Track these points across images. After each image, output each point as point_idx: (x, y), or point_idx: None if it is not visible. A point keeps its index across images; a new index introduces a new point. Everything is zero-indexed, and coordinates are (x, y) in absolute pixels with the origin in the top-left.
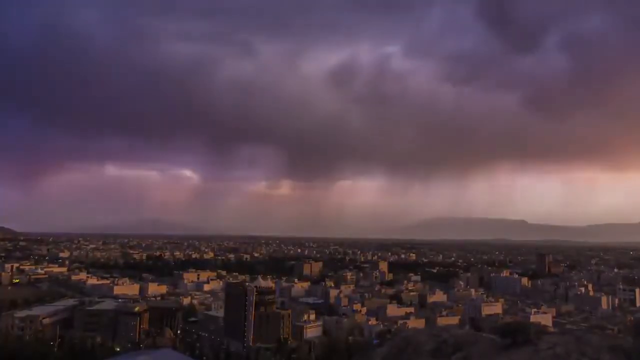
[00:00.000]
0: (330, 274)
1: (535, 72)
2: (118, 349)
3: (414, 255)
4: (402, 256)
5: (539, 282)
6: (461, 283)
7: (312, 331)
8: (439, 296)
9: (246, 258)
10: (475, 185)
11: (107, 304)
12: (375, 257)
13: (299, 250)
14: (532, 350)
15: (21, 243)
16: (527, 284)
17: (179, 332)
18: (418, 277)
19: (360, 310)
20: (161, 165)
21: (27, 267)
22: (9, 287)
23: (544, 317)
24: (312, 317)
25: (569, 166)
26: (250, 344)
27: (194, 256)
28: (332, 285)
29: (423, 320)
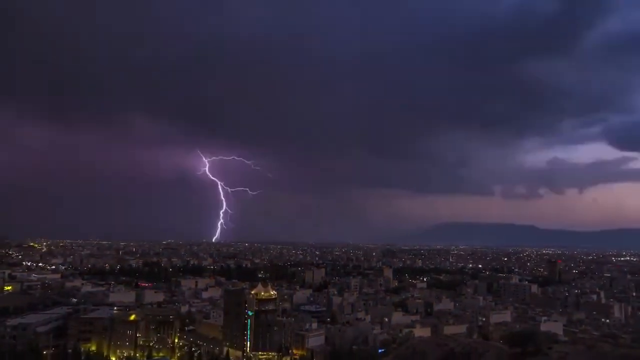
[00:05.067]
0: (333, 280)
1: None
2: (113, 359)
3: (420, 261)
4: (408, 262)
5: (549, 289)
6: (469, 290)
7: (315, 340)
8: (445, 304)
9: (246, 264)
10: None
11: (102, 312)
12: (380, 263)
13: (301, 256)
14: None
15: (13, 248)
16: (537, 291)
17: (176, 341)
18: (424, 284)
19: (365, 318)
20: None
21: (19, 273)
22: (1, 295)
23: (554, 326)
24: (315, 325)
25: None
26: (250, 353)
27: (192, 262)
28: (335, 292)
29: (429, 329)
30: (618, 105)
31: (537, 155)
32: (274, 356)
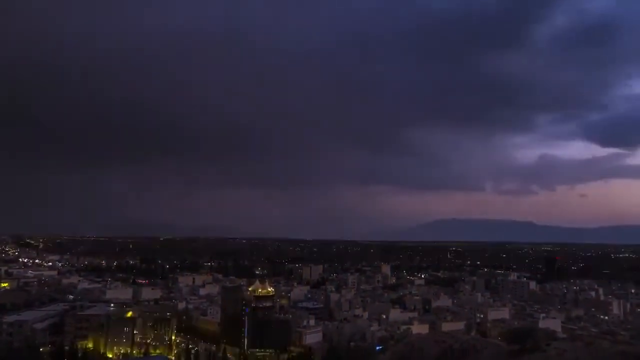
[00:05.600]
0: (331, 277)
1: None
2: (110, 356)
3: (418, 258)
4: (406, 259)
5: (547, 286)
6: (467, 287)
7: (312, 337)
8: (443, 300)
9: (244, 261)
10: None
11: (99, 309)
12: (378, 260)
13: (299, 253)
14: (541, 357)
15: (10, 245)
16: (535, 288)
17: (173, 338)
18: (422, 281)
19: (362, 315)
20: None
21: (16, 270)
22: None
23: (552, 323)
24: (312, 322)
25: None
26: (248, 350)
27: (189, 259)
28: (333, 289)
29: (427, 326)
30: (594, 101)
31: (527, 151)
32: (271, 353)
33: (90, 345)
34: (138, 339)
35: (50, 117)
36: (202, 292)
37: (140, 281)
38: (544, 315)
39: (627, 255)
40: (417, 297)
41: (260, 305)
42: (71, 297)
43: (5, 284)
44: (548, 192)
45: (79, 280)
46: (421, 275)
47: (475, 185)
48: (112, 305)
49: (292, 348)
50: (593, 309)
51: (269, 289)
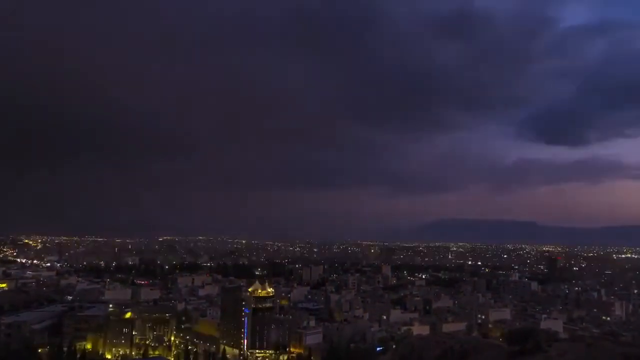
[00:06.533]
0: (331, 278)
1: None
2: (109, 357)
3: (418, 258)
4: (407, 259)
5: (549, 287)
6: (468, 287)
7: (312, 337)
8: (444, 301)
9: (243, 262)
10: None
11: (98, 310)
12: (378, 260)
13: (299, 254)
14: (542, 358)
15: (8, 245)
16: (537, 289)
17: (172, 339)
18: (423, 281)
19: (363, 316)
20: None
21: (14, 270)
22: None
23: (554, 323)
24: (312, 322)
25: None
26: (248, 351)
27: (188, 260)
28: (333, 289)
29: (428, 327)
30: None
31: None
32: (271, 354)
33: (89, 346)
34: (137, 340)
35: (46, 117)
36: (202, 292)
37: (139, 282)
38: (545, 316)
39: (629, 255)
40: (418, 298)
41: (260, 306)
42: (70, 297)
43: (4, 285)
44: (534, 192)
45: (78, 281)
46: (422, 275)
47: (466, 185)
48: (110, 306)
49: (292, 349)
50: (595, 310)
51: (269, 290)
